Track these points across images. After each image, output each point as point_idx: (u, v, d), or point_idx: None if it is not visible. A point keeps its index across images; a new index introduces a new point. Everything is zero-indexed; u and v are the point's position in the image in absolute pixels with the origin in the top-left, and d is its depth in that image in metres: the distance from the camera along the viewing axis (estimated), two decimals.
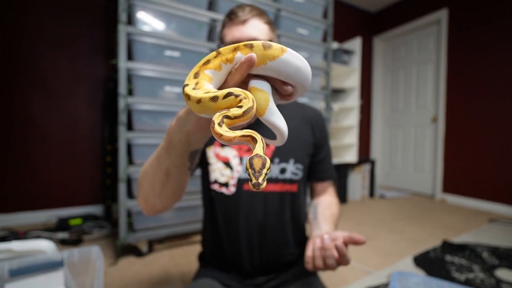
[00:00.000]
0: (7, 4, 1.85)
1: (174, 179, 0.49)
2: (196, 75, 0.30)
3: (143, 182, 0.54)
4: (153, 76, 1.48)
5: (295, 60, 0.29)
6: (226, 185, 0.70)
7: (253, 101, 0.27)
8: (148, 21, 1.50)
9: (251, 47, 0.28)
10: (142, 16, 1.48)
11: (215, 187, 0.71)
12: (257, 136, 0.26)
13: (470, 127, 2.74)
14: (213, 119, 0.26)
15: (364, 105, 3.67)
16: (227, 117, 0.25)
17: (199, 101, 0.27)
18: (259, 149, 0.25)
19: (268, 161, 0.24)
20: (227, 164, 0.70)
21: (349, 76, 2.94)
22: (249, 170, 0.23)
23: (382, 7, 3.60)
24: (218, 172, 0.71)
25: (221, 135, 0.24)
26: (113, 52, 2.08)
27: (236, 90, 0.27)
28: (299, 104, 0.81)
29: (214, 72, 0.30)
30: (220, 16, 1.63)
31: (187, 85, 0.29)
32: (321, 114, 0.81)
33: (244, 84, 0.31)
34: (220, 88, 0.31)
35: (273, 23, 0.70)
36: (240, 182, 0.69)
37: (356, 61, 2.84)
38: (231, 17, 0.64)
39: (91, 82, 2.15)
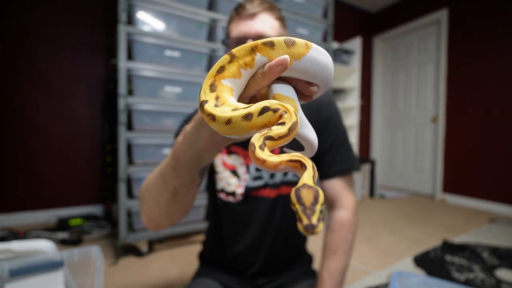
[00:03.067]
0: (8, 4, 1.85)
1: (182, 198, 0.44)
2: (212, 87, 0.24)
3: (147, 198, 0.48)
4: (153, 76, 1.48)
5: (321, 57, 0.24)
6: (233, 194, 0.68)
7: (295, 114, 0.22)
8: (148, 21, 1.50)
9: (271, 45, 0.23)
10: (142, 16, 1.48)
11: (222, 196, 0.69)
12: (307, 162, 0.21)
13: (470, 127, 2.74)
14: (252, 141, 0.21)
15: (364, 105, 3.67)
16: (270, 138, 0.21)
17: (228, 121, 0.21)
18: (307, 178, 0.20)
19: (322, 193, 0.19)
20: (234, 172, 0.68)
21: (349, 76, 2.94)
22: (297, 206, 0.18)
23: (382, 7, 3.60)
24: (225, 181, 0.68)
25: (264, 161, 0.20)
26: (113, 52, 2.08)
27: (272, 104, 0.22)
28: None
29: (234, 81, 0.24)
30: (220, 16, 1.63)
31: (205, 101, 0.23)
32: (327, 94, 0.69)
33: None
34: (239, 97, 0.26)
35: (284, 20, 0.63)
36: (247, 190, 0.67)
37: (356, 61, 2.84)
38: (239, 10, 0.59)
39: (91, 82, 2.15)
